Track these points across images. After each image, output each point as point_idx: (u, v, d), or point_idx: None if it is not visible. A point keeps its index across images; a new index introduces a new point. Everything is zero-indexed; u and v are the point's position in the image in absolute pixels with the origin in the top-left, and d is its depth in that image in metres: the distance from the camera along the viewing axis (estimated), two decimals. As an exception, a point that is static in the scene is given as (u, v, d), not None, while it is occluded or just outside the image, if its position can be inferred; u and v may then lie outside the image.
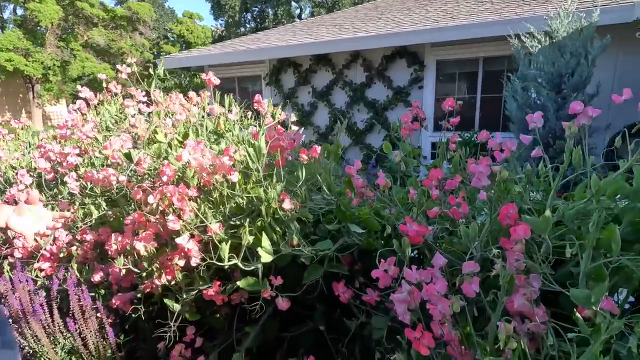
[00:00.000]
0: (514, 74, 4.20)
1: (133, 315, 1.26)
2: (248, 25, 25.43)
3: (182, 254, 1.01)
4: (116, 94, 1.83)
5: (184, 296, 1.08)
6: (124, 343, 1.43)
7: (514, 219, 0.80)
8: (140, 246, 1.01)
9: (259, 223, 1.00)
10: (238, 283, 0.96)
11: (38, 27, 18.40)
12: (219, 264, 0.91)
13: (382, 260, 0.89)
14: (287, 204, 0.95)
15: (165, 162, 1.08)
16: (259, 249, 0.89)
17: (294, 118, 1.83)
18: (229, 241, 0.99)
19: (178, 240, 0.96)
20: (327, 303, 1.37)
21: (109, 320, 1.37)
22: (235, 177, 1.10)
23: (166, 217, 0.97)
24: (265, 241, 0.90)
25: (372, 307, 1.15)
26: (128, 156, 1.09)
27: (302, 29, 8.11)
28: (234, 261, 0.89)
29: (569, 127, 0.84)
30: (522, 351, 0.68)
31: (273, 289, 1.04)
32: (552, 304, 0.88)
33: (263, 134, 1.00)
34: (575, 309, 0.83)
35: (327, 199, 1.20)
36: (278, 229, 0.98)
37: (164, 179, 1.05)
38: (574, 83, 3.73)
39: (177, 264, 0.99)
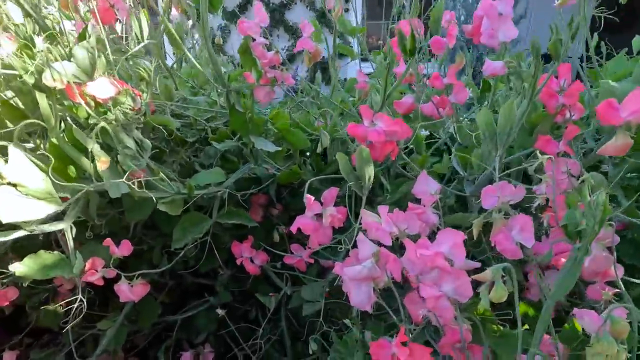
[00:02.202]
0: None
1: None
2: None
3: None
4: None
5: None
6: None
7: (576, 92, 0.40)
8: None
9: (54, 139, 0.46)
10: (11, 268, 0.44)
11: None
12: None
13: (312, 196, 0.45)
14: (102, 90, 0.42)
15: None
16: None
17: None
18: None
19: None
20: (237, 266, 0.92)
21: None
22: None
23: None
24: (31, 173, 0.38)
25: (302, 271, 0.74)
26: None
27: None
28: None
29: None
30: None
31: (111, 265, 0.55)
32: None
33: None
34: None
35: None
36: (97, 148, 0.46)
37: None
38: None
39: None
